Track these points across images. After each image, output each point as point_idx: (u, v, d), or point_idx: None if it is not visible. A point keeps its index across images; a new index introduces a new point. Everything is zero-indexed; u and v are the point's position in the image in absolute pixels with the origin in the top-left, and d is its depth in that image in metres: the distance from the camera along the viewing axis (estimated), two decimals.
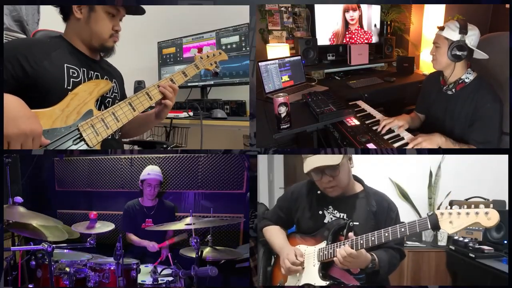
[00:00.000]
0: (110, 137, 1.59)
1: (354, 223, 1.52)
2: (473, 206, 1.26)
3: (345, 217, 1.56)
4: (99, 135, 1.50)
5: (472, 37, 1.71)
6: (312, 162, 1.52)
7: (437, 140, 1.73)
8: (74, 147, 1.44)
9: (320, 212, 1.59)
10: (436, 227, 1.29)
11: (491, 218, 1.22)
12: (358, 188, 1.61)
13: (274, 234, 1.69)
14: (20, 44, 1.57)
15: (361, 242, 1.40)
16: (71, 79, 1.55)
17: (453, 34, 1.71)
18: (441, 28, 1.75)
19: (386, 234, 1.38)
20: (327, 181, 1.53)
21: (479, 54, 1.73)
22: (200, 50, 2.00)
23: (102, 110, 1.57)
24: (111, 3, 1.65)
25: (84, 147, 1.46)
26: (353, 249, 1.40)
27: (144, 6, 1.74)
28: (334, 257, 1.46)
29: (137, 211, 2.57)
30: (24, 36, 2.58)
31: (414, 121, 2.04)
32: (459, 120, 1.78)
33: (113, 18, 1.64)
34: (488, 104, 1.69)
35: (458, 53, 1.70)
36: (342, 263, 1.41)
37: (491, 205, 1.24)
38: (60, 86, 1.51)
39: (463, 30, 1.69)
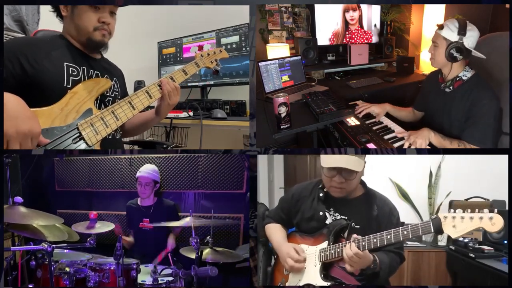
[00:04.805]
0: (110, 136, 1.59)
1: (356, 226, 1.51)
2: (477, 210, 1.24)
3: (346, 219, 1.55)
4: (98, 134, 1.50)
5: (471, 38, 1.70)
6: (334, 160, 1.50)
7: (426, 135, 1.75)
8: (73, 146, 1.44)
9: (321, 213, 1.58)
10: (439, 231, 1.28)
11: (495, 223, 1.20)
12: (360, 190, 1.60)
13: (274, 232, 1.70)
14: (20, 43, 1.57)
15: (363, 243, 1.40)
16: (71, 78, 1.54)
17: (451, 35, 1.71)
18: (441, 27, 1.74)
19: (389, 237, 1.37)
20: (339, 181, 1.51)
21: (477, 54, 1.74)
22: (200, 48, 1.99)
23: (102, 109, 1.57)
24: (111, 3, 1.65)
25: (84, 146, 1.46)
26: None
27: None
28: (336, 257, 1.46)
29: (135, 210, 2.55)
30: (24, 35, 2.58)
31: (403, 114, 2.10)
32: (456, 117, 1.79)
33: (99, 10, 1.59)
34: (485, 100, 1.69)
35: (455, 54, 1.71)
36: (348, 262, 1.40)
37: (496, 210, 1.22)
38: (60, 84, 1.51)
39: (462, 32, 1.69)
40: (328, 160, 1.51)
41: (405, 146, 1.80)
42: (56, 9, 1.66)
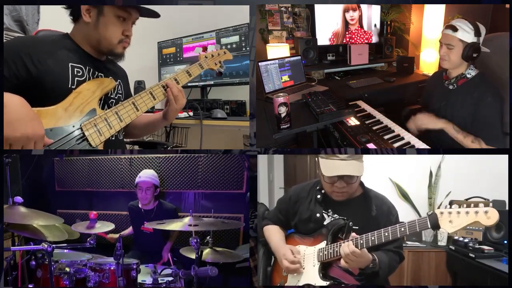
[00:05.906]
0: (113, 138, 1.57)
1: (354, 227, 1.51)
2: (472, 205, 1.26)
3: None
4: (102, 135, 1.48)
5: (483, 37, 1.75)
6: (335, 168, 1.48)
7: (433, 120, 1.83)
8: (77, 147, 1.42)
9: (318, 215, 1.58)
10: (436, 226, 1.29)
11: (491, 217, 1.22)
12: (359, 191, 1.59)
13: (272, 234, 1.70)
14: (24, 43, 1.54)
15: (361, 242, 1.40)
16: (76, 78, 1.52)
17: (468, 36, 1.74)
18: (454, 29, 1.76)
19: (386, 234, 1.38)
20: (341, 186, 1.51)
21: (482, 49, 1.77)
22: (205, 49, 1.97)
23: (106, 110, 1.55)
24: (111, 3, 1.64)
25: (87, 147, 1.45)
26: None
27: (144, 6, 1.71)
28: (334, 257, 1.46)
29: (136, 212, 2.55)
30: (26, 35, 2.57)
31: None
32: (459, 114, 1.80)
33: (124, 22, 1.56)
34: (489, 98, 1.71)
35: (474, 54, 1.74)
36: (345, 261, 1.40)
37: (491, 204, 1.24)
38: (65, 85, 1.48)
39: (478, 33, 1.73)
40: (329, 169, 1.50)
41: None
42: (73, 10, 1.58)
